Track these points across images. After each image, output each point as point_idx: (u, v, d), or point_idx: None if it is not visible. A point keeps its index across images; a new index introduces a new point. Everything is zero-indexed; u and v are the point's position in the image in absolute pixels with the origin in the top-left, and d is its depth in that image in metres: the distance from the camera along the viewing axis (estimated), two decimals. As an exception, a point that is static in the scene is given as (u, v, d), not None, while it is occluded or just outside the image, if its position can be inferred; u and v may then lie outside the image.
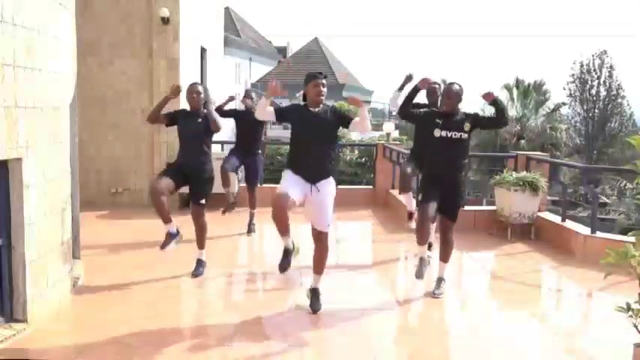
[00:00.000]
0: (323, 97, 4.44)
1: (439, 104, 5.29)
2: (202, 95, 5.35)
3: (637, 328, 3.27)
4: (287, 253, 4.41)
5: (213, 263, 5.84)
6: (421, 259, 5.03)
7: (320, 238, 4.53)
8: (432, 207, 4.87)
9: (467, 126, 4.89)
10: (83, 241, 5.56)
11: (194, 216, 5.44)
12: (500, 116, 4.95)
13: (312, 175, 4.35)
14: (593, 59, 35.71)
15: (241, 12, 46.53)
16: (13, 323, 3.96)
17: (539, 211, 7.42)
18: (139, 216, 8.12)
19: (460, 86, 5.01)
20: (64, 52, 4.55)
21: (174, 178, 5.18)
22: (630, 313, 3.28)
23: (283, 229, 4.28)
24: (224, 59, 17.06)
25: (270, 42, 45.03)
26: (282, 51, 44.77)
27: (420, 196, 5.14)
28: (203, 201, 5.38)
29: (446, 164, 4.92)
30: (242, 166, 7.28)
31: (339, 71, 38.09)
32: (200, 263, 5.52)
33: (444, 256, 5.13)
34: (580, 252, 6.38)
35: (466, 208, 8.11)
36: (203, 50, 11.72)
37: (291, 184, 4.28)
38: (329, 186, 4.45)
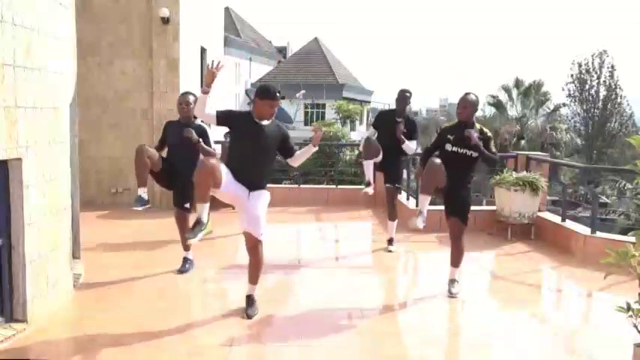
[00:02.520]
0: (272, 117, 4.36)
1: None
2: (192, 106, 5.23)
3: (637, 328, 3.27)
4: (198, 223, 4.04)
5: (213, 263, 5.84)
6: (420, 213, 4.90)
7: (254, 248, 4.34)
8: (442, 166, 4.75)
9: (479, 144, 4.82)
10: (83, 241, 5.57)
11: (179, 220, 5.49)
12: (485, 161, 4.97)
13: (249, 184, 4.28)
14: (593, 59, 35.74)
15: (241, 12, 46.53)
16: (13, 323, 3.95)
17: (539, 211, 7.41)
18: (139, 216, 8.10)
19: (476, 96, 4.95)
20: (64, 52, 4.55)
21: (162, 167, 5.21)
22: (630, 313, 3.28)
23: (203, 194, 4.03)
24: (224, 59, 17.05)
25: (270, 42, 45.06)
26: (282, 51, 44.81)
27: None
28: (188, 205, 5.41)
29: (452, 179, 4.83)
30: None
31: (339, 71, 38.11)
32: (186, 261, 5.55)
33: (455, 262, 5.13)
34: (580, 252, 6.38)
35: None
36: (203, 50, 11.71)
37: (231, 178, 4.20)
38: (261, 197, 4.35)
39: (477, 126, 4.98)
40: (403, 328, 4.52)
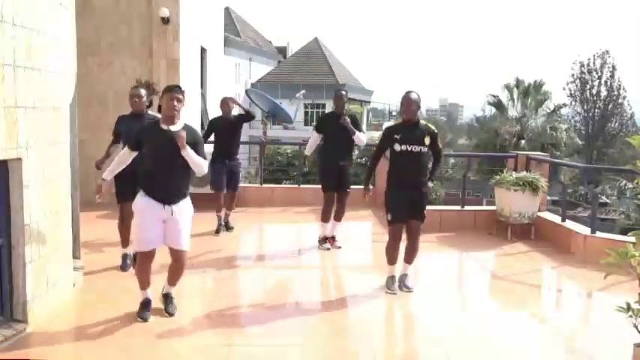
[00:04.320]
0: (176, 112, 4.08)
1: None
2: (144, 99, 5.39)
3: (637, 328, 3.27)
4: (146, 304, 4.33)
5: (213, 263, 5.84)
6: (391, 278, 5.10)
7: (180, 257, 4.26)
8: (402, 228, 5.00)
9: (427, 140, 4.90)
10: (83, 241, 5.57)
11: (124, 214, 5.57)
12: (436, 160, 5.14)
13: (168, 197, 4.13)
14: (594, 59, 35.73)
15: (241, 12, 46.55)
16: (13, 323, 3.95)
17: (539, 211, 7.42)
18: (139, 216, 8.11)
19: (418, 94, 4.98)
20: (64, 52, 4.55)
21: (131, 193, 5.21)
22: (630, 313, 3.28)
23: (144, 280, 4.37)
24: (224, 59, 17.06)
25: (270, 42, 45.04)
26: (282, 51, 44.78)
27: (388, 215, 5.04)
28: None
29: (409, 178, 4.91)
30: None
31: (339, 71, 38.11)
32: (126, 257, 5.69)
33: (409, 259, 5.15)
34: (580, 252, 6.38)
35: (466, 208, 8.12)
36: (203, 50, 11.73)
37: (146, 220, 4.16)
38: (186, 207, 4.24)
39: (422, 122, 5.03)
40: (403, 328, 4.52)
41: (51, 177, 4.26)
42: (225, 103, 7.16)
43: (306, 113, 36.11)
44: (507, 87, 30.79)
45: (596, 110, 35.44)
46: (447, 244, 7.02)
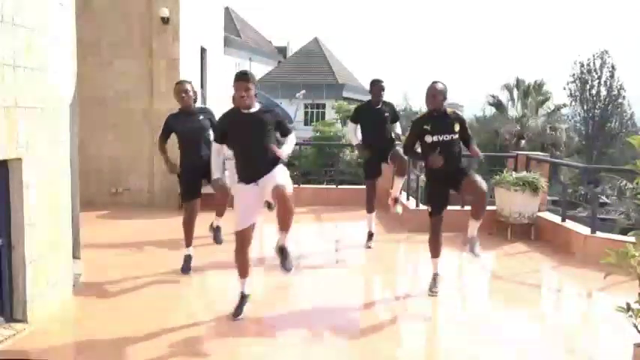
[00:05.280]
0: (249, 99, 4.20)
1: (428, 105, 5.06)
2: (191, 93, 5.36)
3: (637, 328, 3.27)
4: (243, 298, 4.38)
5: (213, 263, 5.83)
6: (435, 276, 5.07)
7: (282, 195, 4.06)
8: (442, 220, 5.00)
9: (457, 126, 4.87)
10: (83, 241, 5.56)
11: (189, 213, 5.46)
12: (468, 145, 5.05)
13: (259, 174, 4.22)
14: (594, 59, 35.73)
15: (241, 12, 46.51)
16: (13, 323, 3.96)
17: (539, 211, 7.41)
18: (139, 216, 8.13)
19: (444, 84, 4.94)
20: (64, 52, 4.55)
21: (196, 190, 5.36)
22: (630, 313, 3.28)
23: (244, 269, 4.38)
24: (224, 59, 17.05)
25: (270, 42, 44.99)
26: (282, 51, 44.73)
27: (428, 207, 5.06)
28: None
29: (446, 168, 4.83)
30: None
31: (339, 71, 38.09)
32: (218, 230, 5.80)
33: (477, 214, 5.01)
34: (580, 252, 6.38)
35: (466, 208, 8.10)
36: (203, 50, 11.71)
37: (242, 200, 4.27)
38: (275, 168, 4.26)
39: (449, 109, 4.97)
40: (403, 328, 4.52)
41: (51, 177, 4.26)
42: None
43: (306, 113, 36.08)
44: (507, 87, 30.79)
45: (596, 110, 35.43)
46: (447, 244, 6.96)
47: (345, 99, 35.13)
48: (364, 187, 6.59)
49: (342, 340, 4.09)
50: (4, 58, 3.62)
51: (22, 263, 3.95)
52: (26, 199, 3.92)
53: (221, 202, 5.54)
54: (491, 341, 4.16)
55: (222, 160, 4.51)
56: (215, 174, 4.46)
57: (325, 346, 4.00)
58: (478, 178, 4.91)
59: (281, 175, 4.17)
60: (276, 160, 4.24)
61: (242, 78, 4.17)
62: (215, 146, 4.42)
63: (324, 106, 35.80)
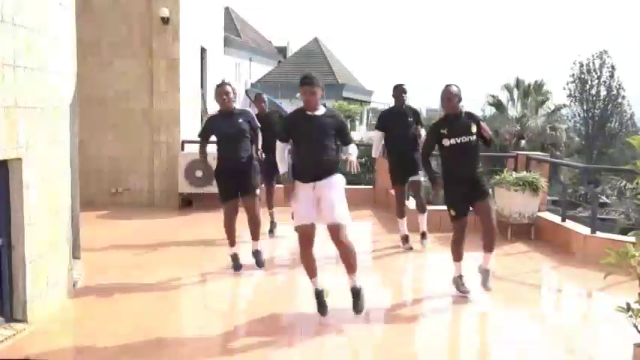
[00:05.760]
0: (314, 103, 4.36)
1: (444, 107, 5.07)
2: (232, 95, 5.42)
3: (637, 328, 3.27)
4: (320, 293, 4.45)
5: (214, 264, 5.84)
6: (459, 278, 5.06)
7: (337, 233, 4.25)
8: (466, 222, 4.97)
9: (474, 128, 4.85)
10: (83, 241, 5.56)
11: (250, 209, 5.49)
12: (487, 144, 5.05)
13: (318, 176, 4.28)
14: (594, 59, 35.73)
15: (241, 12, 46.51)
16: (13, 323, 3.96)
17: (539, 211, 7.41)
18: (139, 216, 8.12)
19: (457, 87, 4.96)
20: (64, 52, 4.55)
21: (235, 191, 5.40)
22: (630, 313, 3.28)
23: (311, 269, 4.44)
24: (224, 59, 17.06)
25: (270, 42, 44.99)
26: (282, 51, 44.72)
27: (451, 211, 4.99)
28: (257, 191, 5.55)
29: (463, 169, 4.85)
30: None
31: (339, 71, 38.08)
32: (258, 254, 5.67)
33: (489, 246, 5.02)
34: (580, 252, 6.38)
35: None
36: (203, 50, 11.71)
37: (300, 199, 4.30)
38: (336, 181, 4.33)
39: (464, 110, 4.96)
40: (403, 328, 4.52)
41: (51, 177, 4.26)
42: (261, 99, 7.13)
43: (306, 113, 36.04)
44: (507, 87, 30.77)
45: (595, 110, 35.43)
46: (447, 244, 6.99)
47: (345, 99, 35.15)
48: (364, 187, 6.59)
49: (344, 340, 4.08)
50: (4, 58, 3.62)
51: (22, 263, 3.95)
52: (26, 199, 3.92)
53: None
54: (492, 341, 4.16)
55: (287, 155, 4.55)
56: (281, 169, 4.52)
57: (327, 346, 4.00)
58: (493, 208, 4.93)
59: (338, 202, 4.23)
60: (334, 166, 4.32)
61: (307, 82, 4.28)
62: (279, 145, 4.47)
63: (324, 105, 35.81)
